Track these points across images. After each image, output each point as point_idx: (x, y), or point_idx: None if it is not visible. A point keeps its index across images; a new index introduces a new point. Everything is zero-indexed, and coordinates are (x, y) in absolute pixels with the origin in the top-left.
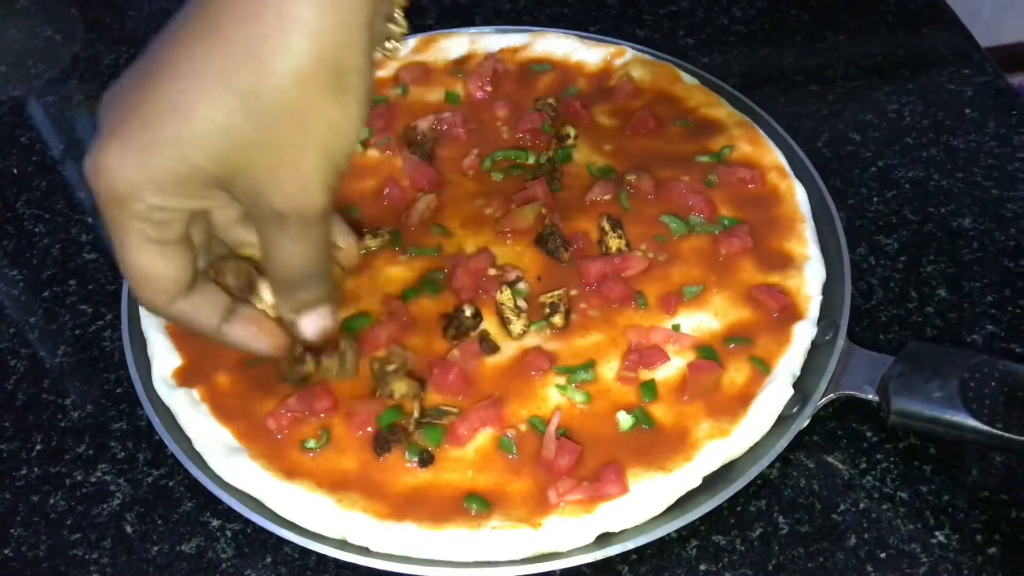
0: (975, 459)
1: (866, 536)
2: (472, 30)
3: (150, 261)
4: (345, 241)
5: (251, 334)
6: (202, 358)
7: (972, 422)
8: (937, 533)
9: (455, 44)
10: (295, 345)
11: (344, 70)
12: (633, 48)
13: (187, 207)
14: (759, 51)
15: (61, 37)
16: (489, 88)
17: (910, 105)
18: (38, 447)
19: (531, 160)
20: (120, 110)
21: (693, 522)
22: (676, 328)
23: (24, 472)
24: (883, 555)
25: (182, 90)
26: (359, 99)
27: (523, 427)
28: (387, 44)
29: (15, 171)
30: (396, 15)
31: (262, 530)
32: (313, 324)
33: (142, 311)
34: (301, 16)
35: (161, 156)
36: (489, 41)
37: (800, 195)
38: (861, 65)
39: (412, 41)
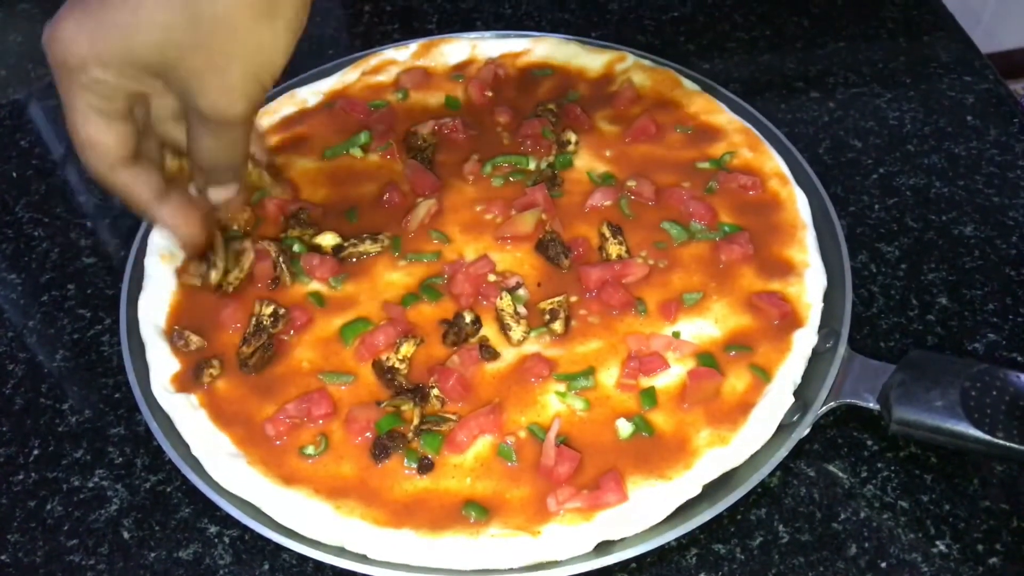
0: (976, 468)
1: (867, 545)
2: (473, 35)
3: (94, 128)
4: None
5: (177, 219)
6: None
7: (974, 431)
8: (938, 543)
9: (456, 49)
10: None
11: (278, 0)
12: (634, 54)
13: (127, 86)
14: (760, 57)
15: None
16: (490, 93)
17: (911, 112)
18: (35, 452)
19: (532, 166)
20: None
21: (693, 530)
22: (676, 335)
23: (21, 477)
24: (884, 564)
25: None
26: (289, 27)
27: (523, 434)
28: None
29: (14, 174)
30: None
31: (260, 537)
32: (218, 195)
33: (141, 316)
34: None
35: (108, 37)
36: (490, 46)
37: (801, 202)
38: (862, 72)
39: (413, 46)
